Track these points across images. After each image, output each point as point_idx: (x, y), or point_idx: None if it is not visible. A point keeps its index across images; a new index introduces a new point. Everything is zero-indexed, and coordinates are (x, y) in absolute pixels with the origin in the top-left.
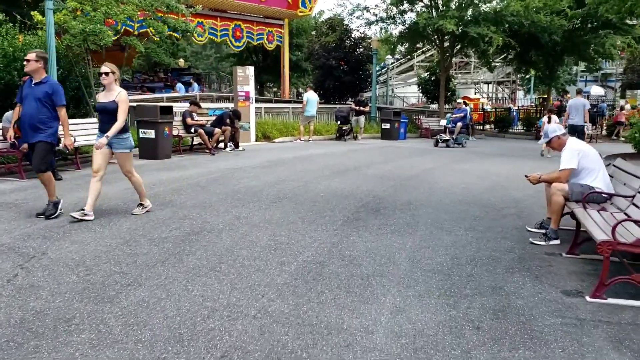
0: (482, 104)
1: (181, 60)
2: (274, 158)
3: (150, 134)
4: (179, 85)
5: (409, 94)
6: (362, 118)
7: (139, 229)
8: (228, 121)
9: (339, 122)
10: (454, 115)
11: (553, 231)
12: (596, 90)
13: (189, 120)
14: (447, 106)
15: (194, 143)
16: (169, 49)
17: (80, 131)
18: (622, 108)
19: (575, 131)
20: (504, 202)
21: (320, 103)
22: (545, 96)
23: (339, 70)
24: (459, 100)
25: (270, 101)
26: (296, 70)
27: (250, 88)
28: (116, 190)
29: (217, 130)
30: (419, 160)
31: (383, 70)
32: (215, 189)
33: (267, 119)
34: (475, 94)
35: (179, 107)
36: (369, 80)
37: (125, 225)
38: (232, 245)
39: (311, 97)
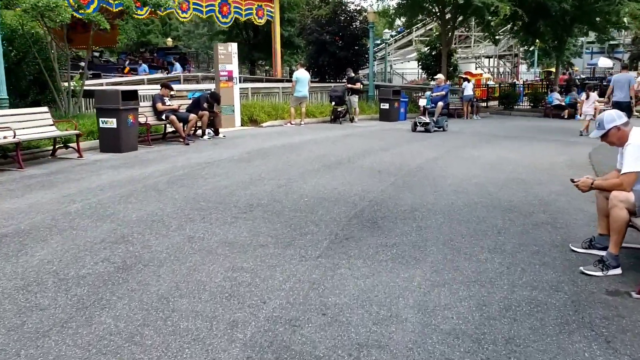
0: (486, 79)
1: (169, 39)
2: (257, 147)
3: (112, 123)
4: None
5: (408, 70)
6: (354, 98)
7: (54, 260)
8: (205, 105)
9: (333, 103)
10: (434, 94)
11: (612, 257)
12: (604, 62)
13: (159, 105)
14: (449, 82)
15: (167, 131)
16: (158, 28)
17: (23, 122)
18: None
19: (621, 108)
20: (529, 203)
21: (314, 82)
22: (553, 70)
23: (333, 45)
24: (437, 76)
25: (260, 80)
26: (289, 47)
27: (234, 67)
28: (51, 198)
29: (192, 115)
30: (422, 147)
31: (381, 46)
32: (174, 193)
33: (254, 100)
34: (476, 68)
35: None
36: (366, 56)
37: (38, 255)
38: (171, 290)
39: (301, 75)
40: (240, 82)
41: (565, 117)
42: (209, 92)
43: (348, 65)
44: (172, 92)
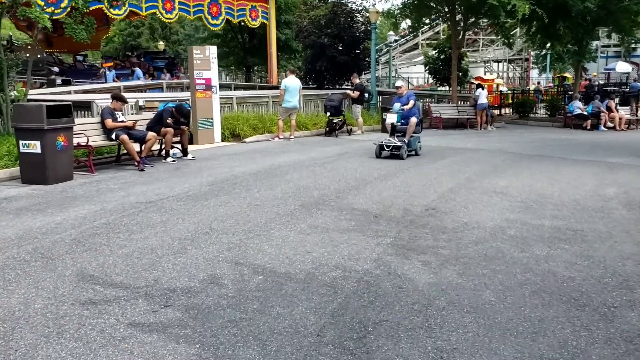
0: (498, 85)
1: (161, 43)
2: (226, 174)
3: (35, 147)
4: (138, 72)
5: (414, 74)
6: (356, 107)
7: None
8: (170, 121)
9: (328, 114)
10: (403, 106)
11: None
12: (622, 66)
13: (108, 121)
14: (459, 88)
15: (123, 152)
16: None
17: None
18: None
19: None
20: (602, 285)
21: (311, 88)
22: (567, 75)
23: (332, 49)
24: (398, 84)
25: (253, 87)
26: (286, 51)
27: (212, 74)
28: None
29: (150, 134)
30: (433, 172)
31: (385, 49)
32: (65, 267)
33: (240, 111)
34: (485, 73)
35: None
36: (368, 59)
37: None
38: None
39: (291, 83)
40: (231, 89)
41: (588, 127)
42: (174, 105)
43: (348, 70)
44: (145, 105)
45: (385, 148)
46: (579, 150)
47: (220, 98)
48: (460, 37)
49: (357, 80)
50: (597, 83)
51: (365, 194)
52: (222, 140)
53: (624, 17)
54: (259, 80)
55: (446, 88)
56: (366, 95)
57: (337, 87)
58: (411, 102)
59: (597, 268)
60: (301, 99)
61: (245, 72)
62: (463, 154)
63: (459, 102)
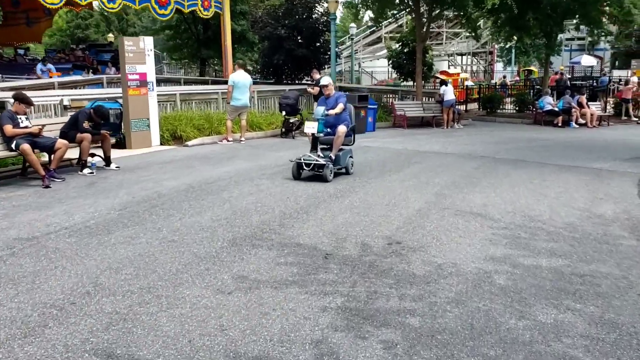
0: (463, 79)
1: (110, 35)
2: (148, 191)
3: None
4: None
5: (378, 68)
6: (315, 105)
7: None
8: (87, 124)
9: (284, 113)
10: (329, 112)
11: None
12: (587, 60)
13: (7, 128)
14: (423, 83)
15: (27, 164)
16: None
17: None
18: (627, 82)
19: None
20: None
21: (268, 84)
22: (532, 68)
23: (290, 41)
24: (324, 80)
25: (205, 82)
26: (242, 43)
27: (149, 68)
28: None
29: (59, 142)
30: (396, 186)
31: (348, 43)
32: None
33: (184, 110)
34: (449, 67)
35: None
36: (329, 53)
37: None
38: None
39: (240, 78)
40: (181, 84)
41: (559, 124)
42: (93, 104)
43: (308, 64)
44: (70, 105)
45: (305, 167)
46: (557, 153)
47: (159, 95)
48: (425, 29)
49: (318, 76)
50: (565, 77)
51: (317, 219)
52: (161, 144)
53: (594, 9)
54: (214, 74)
55: (411, 83)
56: None
57: (297, 82)
58: (340, 106)
59: (629, 348)
60: (255, 96)
61: (199, 66)
62: (430, 159)
63: (425, 99)
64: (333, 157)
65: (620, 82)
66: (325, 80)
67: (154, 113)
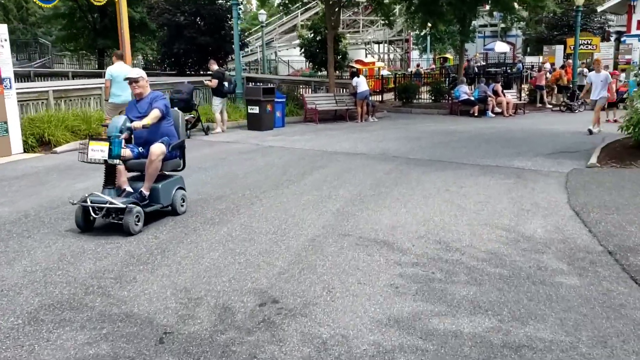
0: (379, 68)
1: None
2: None
3: None
4: None
5: (295, 57)
6: (214, 100)
7: None
8: None
9: (176, 109)
10: (135, 123)
11: None
12: (501, 46)
13: None
14: (337, 73)
15: None
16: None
17: None
18: (540, 69)
19: None
20: None
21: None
22: (447, 56)
23: (191, 29)
24: (134, 73)
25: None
26: (143, 32)
27: (4, 61)
28: None
29: None
30: (292, 199)
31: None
32: None
33: (59, 109)
34: (366, 55)
35: None
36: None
37: None
38: None
39: (120, 71)
40: (69, 78)
41: (475, 114)
42: None
43: (213, 53)
44: None
45: (94, 213)
46: (475, 149)
47: (24, 93)
48: (336, 15)
49: (216, 67)
50: (479, 64)
51: (167, 266)
52: (25, 151)
53: None
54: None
55: (326, 73)
56: (226, 84)
57: (202, 73)
58: (154, 114)
59: None
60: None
61: (97, 57)
62: (338, 162)
63: (339, 90)
64: (146, 193)
65: (533, 69)
66: (136, 72)
67: (14, 115)
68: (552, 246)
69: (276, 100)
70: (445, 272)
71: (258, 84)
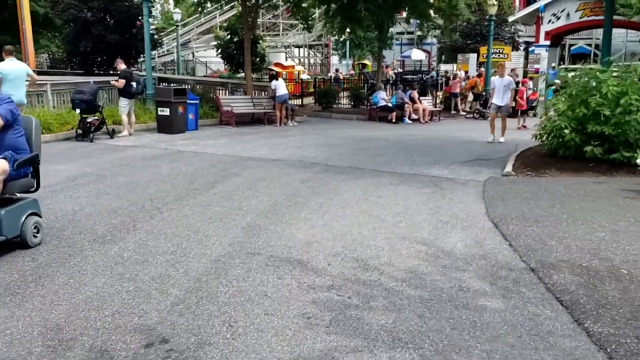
0: (299, 72)
1: None
2: None
3: None
4: None
5: (213, 59)
6: (121, 102)
7: None
8: None
9: (78, 111)
10: None
11: None
12: (417, 54)
13: None
14: (256, 76)
15: None
16: None
17: None
18: (454, 76)
19: None
20: None
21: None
22: (366, 62)
23: (99, 26)
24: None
25: None
26: (48, 28)
27: None
28: None
29: None
30: (194, 212)
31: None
32: None
33: None
34: (287, 59)
35: None
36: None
37: None
38: None
39: (11, 68)
40: None
41: (393, 120)
42: None
43: (123, 52)
44: None
45: None
46: (393, 156)
47: None
48: (253, 17)
49: (123, 66)
50: (396, 71)
51: (40, 297)
52: None
53: (423, 1)
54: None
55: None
56: (134, 85)
57: (111, 72)
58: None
59: None
60: (49, 90)
61: None
62: (253, 169)
63: (257, 93)
64: None
65: (448, 76)
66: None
67: None
68: (473, 263)
69: (189, 101)
70: (363, 296)
71: (172, 84)
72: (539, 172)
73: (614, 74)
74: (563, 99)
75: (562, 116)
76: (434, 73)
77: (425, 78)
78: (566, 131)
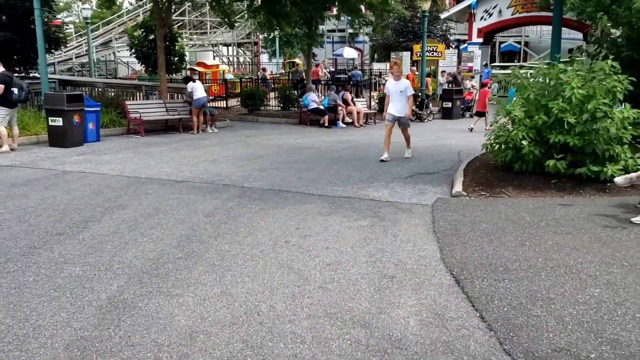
0: (224, 71)
1: None
2: None
3: None
4: None
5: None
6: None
7: None
8: None
9: None
10: None
11: None
12: (349, 52)
13: None
14: (172, 76)
15: None
16: None
17: None
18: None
19: None
20: None
21: None
22: (297, 60)
23: None
24: None
25: None
26: None
27: None
28: None
29: None
30: (34, 285)
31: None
32: None
33: None
34: (214, 58)
35: None
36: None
37: None
38: None
39: None
40: None
41: (326, 124)
42: None
43: (19, 52)
44: None
45: None
46: (325, 171)
47: None
48: (166, 11)
49: (1, 69)
50: (328, 69)
51: None
52: None
53: None
54: None
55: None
56: (15, 91)
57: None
58: None
59: None
60: None
61: None
62: (147, 197)
63: (176, 96)
64: None
65: (382, 76)
66: None
67: None
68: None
69: (87, 109)
70: None
71: (82, 88)
72: (494, 191)
73: (578, 73)
74: (520, 103)
75: (519, 124)
76: (354, 72)
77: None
78: (524, 142)
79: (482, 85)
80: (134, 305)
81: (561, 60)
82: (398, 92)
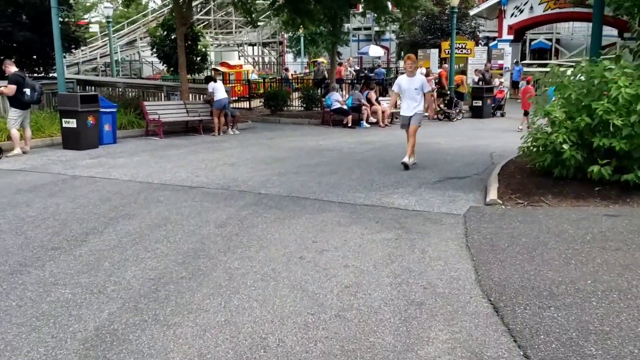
0: (247, 71)
1: None
2: None
3: None
4: None
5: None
6: (11, 113)
7: None
8: None
9: None
10: None
11: None
12: (375, 50)
13: None
14: (195, 77)
15: None
16: None
17: None
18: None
19: None
20: None
21: None
22: (322, 60)
23: (7, 21)
24: None
25: None
26: None
27: None
28: None
29: None
30: (16, 312)
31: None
32: None
33: None
34: (239, 58)
35: None
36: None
37: None
38: None
39: None
40: None
41: (349, 125)
42: None
43: (39, 52)
44: None
45: None
46: (347, 175)
47: None
48: (187, 9)
49: (13, 69)
50: (353, 68)
51: None
52: None
53: None
54: None
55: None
56: (27, 91)
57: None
58: None
59: None
60: None
61: None
62: (157, 205)
63: (196, 97)
64: None
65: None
66: None
67: None
68: None
69: (103, 110)
70: None
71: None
72: (532, 199)
73: (625, 70)
74: (560, 104)
75: (559, 127)
76: (379, 70)
77: (370, 75)
78: (565, 146)
79: (516, 83)
80: (124, 338)
81: (602, 57)
82: (413, 90)
